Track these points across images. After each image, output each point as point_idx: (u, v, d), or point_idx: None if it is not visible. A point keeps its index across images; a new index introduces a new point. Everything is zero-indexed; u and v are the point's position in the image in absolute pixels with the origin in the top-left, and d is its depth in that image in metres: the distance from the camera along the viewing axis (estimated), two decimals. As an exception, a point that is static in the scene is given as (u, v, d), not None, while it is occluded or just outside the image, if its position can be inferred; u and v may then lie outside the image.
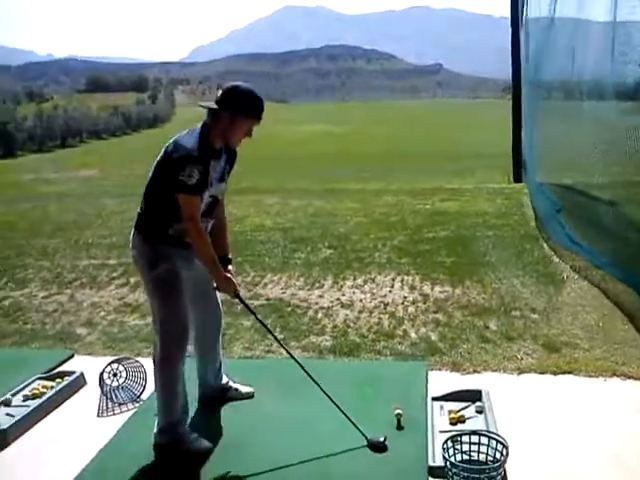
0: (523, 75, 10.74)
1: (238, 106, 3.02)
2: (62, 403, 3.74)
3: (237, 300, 3.34)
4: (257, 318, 3.43)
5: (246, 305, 3.37)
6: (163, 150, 3.08)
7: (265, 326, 3.57)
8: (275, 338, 3.56)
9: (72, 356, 4.45)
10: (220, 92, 3.11)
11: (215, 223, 3.30)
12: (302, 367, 3.31)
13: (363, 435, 3.11)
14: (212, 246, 3.11)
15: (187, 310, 3.17)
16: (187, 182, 2.91)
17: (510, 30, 11.74)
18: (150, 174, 3.13)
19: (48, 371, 4.05)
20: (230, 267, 3.31)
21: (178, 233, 3.10)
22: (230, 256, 3.38)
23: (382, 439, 3.10)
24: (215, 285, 3.22)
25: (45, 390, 3.77)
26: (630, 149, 5.35)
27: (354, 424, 3.11)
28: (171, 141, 3.07)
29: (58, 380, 3.91)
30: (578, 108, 7.10)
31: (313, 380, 3.27)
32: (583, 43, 6.63)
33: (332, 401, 3.20)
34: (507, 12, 11.77)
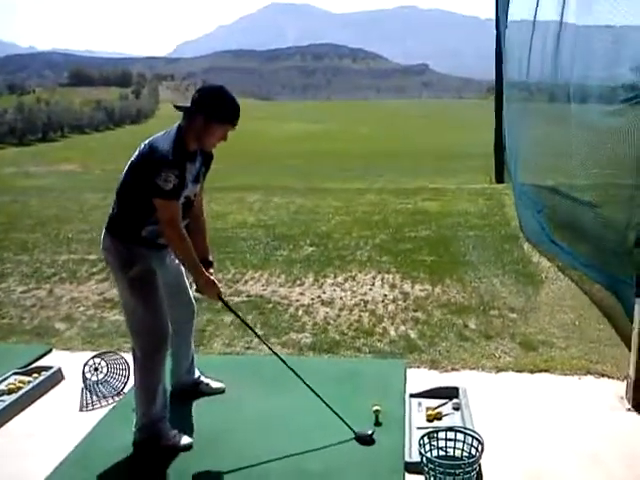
0: (506, 76, 10.82)
1: (212, 111, 2.96)
2: (39, 398, 3.72)
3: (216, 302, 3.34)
4: (241, 319, 3.43)
5: (229, 307, 3.35)
6: (137, 151, 3.02)
7: (249, 326, 3.56)
8: (258, 337, 3.55)
9: (50, 351, 4.42)
10: (196, 93, 3.04)
11: (194, 225, 3.27)
12: (286, 364, 3.30)
13: (350, 429, 3.13)
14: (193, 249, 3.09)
15: (165, 308, 3.14)
16: (164, 187, 2.86)
17: (495, 32, 11.80)
18: (123, 175, 3.07)
19: (25, 366, 4.02)
20: (211, 270, 3.27)
21: (151, 235, 3.08)
22: (211, 258, 3.34)
23: (370, 432, 3.14)
24: (196, 287, 3.20)
25: (22, 385, 3.74)
26: (609, 152, 5.42)
27: (341, 418, 3.14)
28: (146, 142, 3.01)
29: (35, 375, 3.88)
30: (560, 110, 7.18)
31: (297, 375, 3.27)
32: (566, 46, 6.70)
33: (317, 395, 3.22)
34: (492, 13, 11.83)
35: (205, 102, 2.98)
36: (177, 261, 3.25)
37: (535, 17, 8.00)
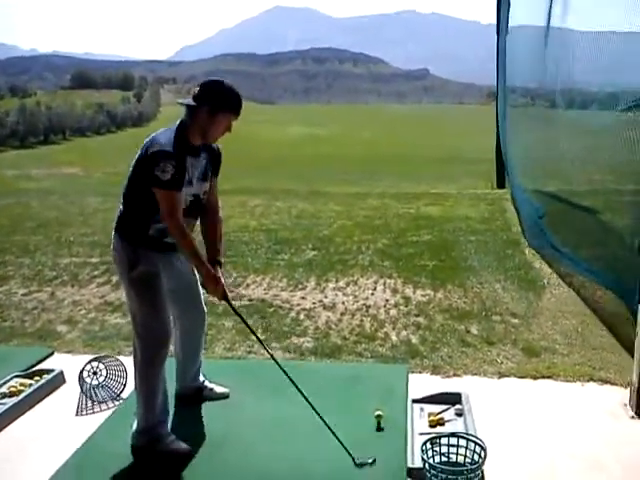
0: (507, 82, 10.83)
1: (217, 102, 2.99)
2: (40, 401, 3.71)
3: (220, 301, 3.31)
4: (244, 321, 3.39)
5: (233, 308, 3.32)
6: (140, 148, 3.03)
7: (252, 330, 3.52)
8: (260, 341, 3.51)
9: (52, 354, 4.41)
10: (197, 88, 3.06)
11: (209, 224, 3.29)
12: (285, 373, 3.22)
13: (350, 455, 3.01)
14: (198, 246, 3.07)
15: (168, 311, 3.14)
16: (161, 177, 2.86)
17: (496, 37, 11.81)
18: (129, 173, 3.09)
19: (27, 369, 4.00)
20: (220, 270, 3.24)
21: (158, 234, 3.07)
22: (221, 259, 3.32)
23: (370, 460, 3.00)
24: (201, 282, 3.19)
25: (23, 388, 3.73)
26: (610, 158, 5.43)
27: (342, 444, 3.02)
28: (148, 138, 3.03)
29: (37, 378, 3.86)
30: (560, 115, 7.19)
31: (296, 387, 3.19)
32: (567, 52, 6.71)
33: (319, 416, 3.12)
34: (493, 19, 11.84)
35: (208, 94, 3.01)
36: (190, 267, 3.21)
37: (537, 23, 8.01)
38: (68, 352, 4.49)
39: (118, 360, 3.95)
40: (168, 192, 2.91)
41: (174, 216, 2.94)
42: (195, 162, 3.07)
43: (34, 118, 48.47)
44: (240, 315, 3.35)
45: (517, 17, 9.79)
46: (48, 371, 3.96)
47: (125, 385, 3.83)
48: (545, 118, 8.42)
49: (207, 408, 3.58)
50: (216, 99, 3.00)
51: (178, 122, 3.05)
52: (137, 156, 3.02)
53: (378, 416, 3.32)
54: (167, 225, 2.98)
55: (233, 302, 3.38)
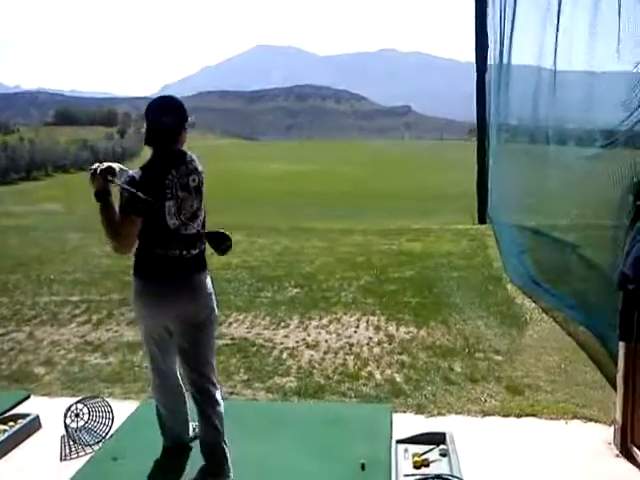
0: (490, 118, 11.03)
1: (185, 117, 3.06)
2: (14, 447, 3.60)
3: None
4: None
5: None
6: None
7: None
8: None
9: (28, 397, 4.30)
10: (159, 118, 2.98)
11: None
12: None
13: None
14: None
15: (154, 354, 3.20)
16: (120, 202, 2.86)
17: (475, 75, 12.07)
18: None
19: (1, 413, 3.90)
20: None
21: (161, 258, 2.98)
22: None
23: None
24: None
25: (-3, 434, 3.63)
26: (589, 193, 5.50)
27: None
28: None
29: (11, 423, 3.76)
30: (540, 151, 7.31)
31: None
32: (544, 89, 6.85)
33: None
34: (471, 57, 12.12)
35: (183, 114, 3.03)
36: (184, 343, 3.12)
37: (511, 61, 8.22)
38: (45, 395, 4.40)
39: (104, 401, 3.87)
40: (122, 216, 2.85)
41: (118, 239, 2.85)
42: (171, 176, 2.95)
43: (16, 154, 48.37)
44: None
45: (495, 56, 10.04)
46: (23, 415, 3.86)
47: (110, 426, 3.75)
48: (526, 154, 8.56)
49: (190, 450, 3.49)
50: (185, 115, 3.07)
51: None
52: None
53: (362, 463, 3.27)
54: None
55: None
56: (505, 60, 9.21)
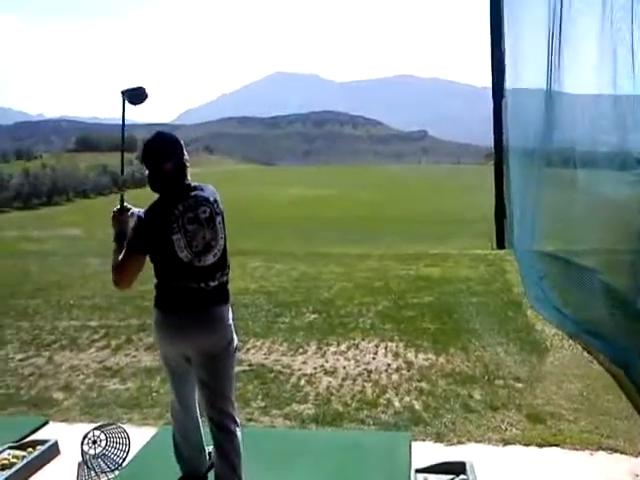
0: (508, 142, 11.04)
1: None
2: (33, 474, 3.61)
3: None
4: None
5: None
6: None
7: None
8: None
9: (46, 423, 4.31)
10: (165, 157, 2.96)
11: None
12: None
13: None
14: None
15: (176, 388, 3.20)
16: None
17: (492, 99, 12.12)
18: None
19: (20, 439, 3.91)
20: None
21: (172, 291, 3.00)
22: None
23: None
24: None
25: (15, 460, 3.63)
26: (613, 218, 5.44)
27: None
28: None
29: (30, 450, 3.77)
30: (562, 175, 7.26)
31: None
32: (564, 113, 6.83)
33: None
34: (487, 82, 12.21)
35: (182, 153, 3.02)
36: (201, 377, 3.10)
37: (536, 85, 8.19)
38: (64, 421, 4.41)
39: (120, 427, 3.86)
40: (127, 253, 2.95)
41: (118, 273, 2.97)
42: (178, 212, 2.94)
43: (38, 180, 49.28)
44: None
45: (513, 81, 10.09)
46: (42, 442, 3.87)
47: (127, 452, 3.73)
48: (544, 178, 8.52)
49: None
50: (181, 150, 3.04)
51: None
52: None
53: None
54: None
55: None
56: (523, 85, 9.25)
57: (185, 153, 3.05)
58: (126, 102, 3.10)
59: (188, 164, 3.06)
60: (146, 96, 3.11)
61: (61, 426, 4.30)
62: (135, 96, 3.11)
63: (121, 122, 3.19)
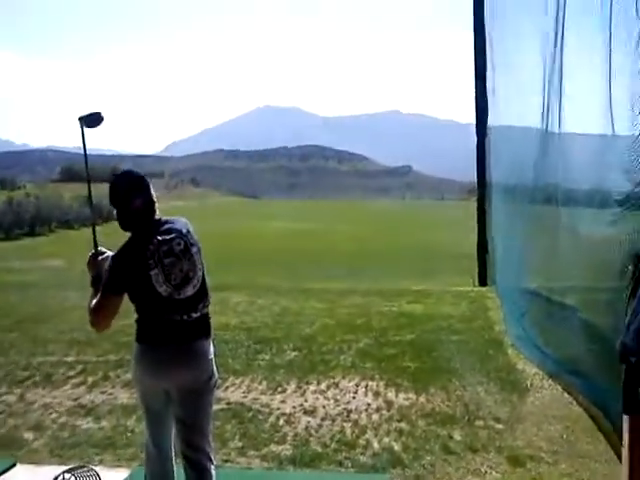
0: (491, 179, 11.11)
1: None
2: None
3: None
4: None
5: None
6: None
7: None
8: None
9: (14, 465, 4.18)
10: (134, 198, 3.04)
11: None
12: None
13: None
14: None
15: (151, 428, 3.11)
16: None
17: (475, 136, 12.26)
18: None
19: (-14, 482, 3.80)
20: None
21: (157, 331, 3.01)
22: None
23: None
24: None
25: (-19, 504, 3.51)
26: (593, 256, 5.47)
27: None
28: None
29: (-4, 493, 3.65)
30: (543, 213, 7.30)
31: None
32: (546, 151, 6.87)
33: None
34: (471, 119, 12.36)
35: (149, 189, 3.07)
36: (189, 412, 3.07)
37: (518, 122, 8.29)
38: (32, 463, 4.27)
39: (92, 470, 3.77)
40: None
41: (95, 316, 2.97)
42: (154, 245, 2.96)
43: (21, 209, 48.83)
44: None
45: (495, 119, 10.22)
46: (9, 485, 3.75)
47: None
48: (527, 215, 8.59)
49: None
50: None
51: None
52: None
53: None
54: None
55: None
56: (507, 121, 9.35)
57: (152, 190, 3.08)
58: (84, 127, 3.22)
59: (156, 200, 3.07)
60: (102, 119, 3.23)
61: (29, 468, 4.17)
62: (92, 120, 3.24)
63: (86, 151, 3.26)
